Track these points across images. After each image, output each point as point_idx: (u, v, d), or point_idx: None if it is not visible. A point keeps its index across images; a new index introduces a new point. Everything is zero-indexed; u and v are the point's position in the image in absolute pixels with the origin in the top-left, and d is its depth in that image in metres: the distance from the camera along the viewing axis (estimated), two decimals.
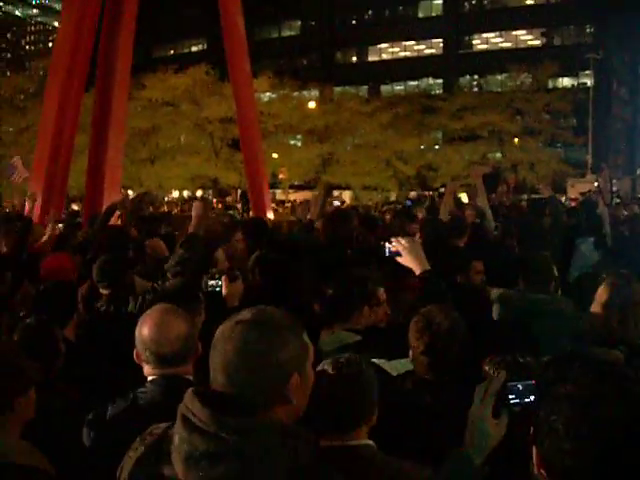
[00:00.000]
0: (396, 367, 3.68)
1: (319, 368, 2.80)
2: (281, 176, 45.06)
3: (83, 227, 11.72)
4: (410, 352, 3.52)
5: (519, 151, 47.23)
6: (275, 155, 42.85)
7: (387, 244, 4.30)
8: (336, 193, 50.61)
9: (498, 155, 48.50)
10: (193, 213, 6.34)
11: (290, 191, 48.44)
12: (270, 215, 17.11)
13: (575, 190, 30.92)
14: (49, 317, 4.19)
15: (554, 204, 10.29)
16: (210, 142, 45.35)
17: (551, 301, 5.33)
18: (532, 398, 2.51)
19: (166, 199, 46.57)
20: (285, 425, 1.95)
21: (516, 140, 47.92)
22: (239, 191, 42.19)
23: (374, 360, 3.51)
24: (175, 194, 53.82)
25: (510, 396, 2.52)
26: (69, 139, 13.04)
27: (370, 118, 46.10)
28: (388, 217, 12.09)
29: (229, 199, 46.50)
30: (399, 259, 4.26)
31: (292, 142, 50.57)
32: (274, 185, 44.39)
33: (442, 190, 35.68)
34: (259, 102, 33.25)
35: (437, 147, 51.30)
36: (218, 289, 4.40)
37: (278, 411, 1.99)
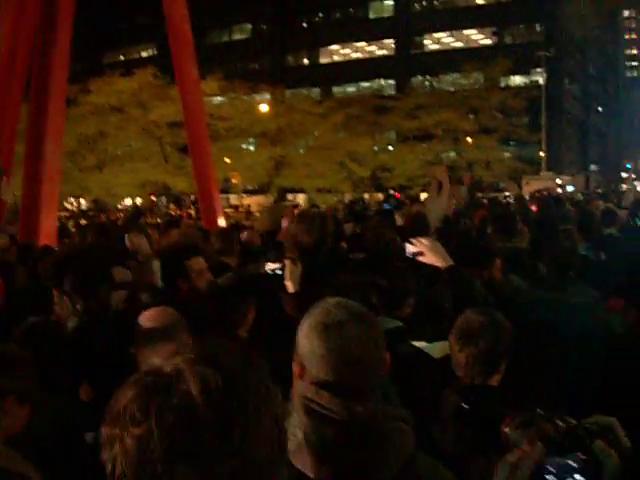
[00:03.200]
0: (435, 349, 3.91)
1: None
2: (234, 181, 44.62)
3: (20, 239, 11.32)
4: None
5: (474, 150, 47.29)
6: (227, 159, 42.33)
7: (408, 245, 4.45)
8: (290, 196, 50.53)
9: (453, 154, 48.55)
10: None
11: (244, 195, 48.02)
12: (222, 221, 16.82)
13: (530, 187, 31.09)
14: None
15: (522, 203, 10.51)
16: (159, 147, 44.54)
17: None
18: (578, 478, 1.80)
19: (119, 206, 45.98)
20: (398, 409, 2.05)
21: (469, 139, 48.06)
22: (192, 197, 41.71)
23: (414, 343, 3.97)
24: (127, 201, 53.10)
25: (547, 477, 1.82)
26: (8, 149, 12.75)
27: (322, 119, 45.86)
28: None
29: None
30: (421, 258, 4.40)
31: (244, 146, 49.96)
32: (227, 190, 43.94)
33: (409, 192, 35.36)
34: (209, 105, 32.76)
35: (391, 147, 51.23)
36: (279, 272, 4.37)
37: (378, 393, 2.02)
